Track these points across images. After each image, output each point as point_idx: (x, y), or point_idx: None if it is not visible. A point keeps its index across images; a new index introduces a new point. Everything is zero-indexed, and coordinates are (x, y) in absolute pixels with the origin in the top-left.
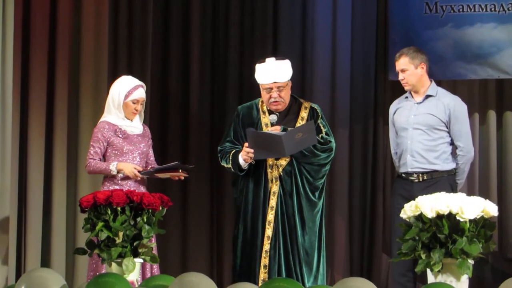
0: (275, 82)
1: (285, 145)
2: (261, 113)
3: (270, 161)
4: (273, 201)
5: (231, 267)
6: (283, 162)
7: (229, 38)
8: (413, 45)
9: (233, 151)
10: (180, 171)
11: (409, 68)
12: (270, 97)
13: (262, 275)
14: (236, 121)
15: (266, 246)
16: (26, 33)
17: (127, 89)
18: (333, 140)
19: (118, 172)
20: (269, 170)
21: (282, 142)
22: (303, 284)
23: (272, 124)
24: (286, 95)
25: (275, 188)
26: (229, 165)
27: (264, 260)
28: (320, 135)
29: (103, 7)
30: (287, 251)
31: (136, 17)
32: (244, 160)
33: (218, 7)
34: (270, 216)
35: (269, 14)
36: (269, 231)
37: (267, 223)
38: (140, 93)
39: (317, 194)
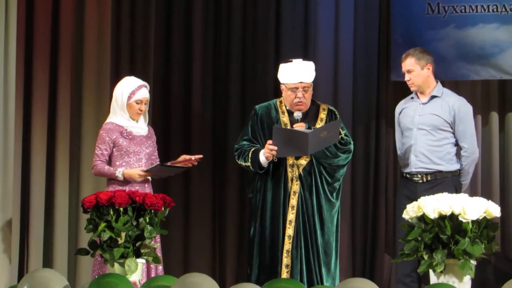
0: (301, 82)
1: (309, 144)
2: (280, 112)
3: (290, 161)
4: (293, 201)
5: (235, 267)
6: (303, 161)
7: (231, 39)
8: (416, 46)
9: (253, 149)
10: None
11: (415, 69)
12: (295, 97)
13: (284, 274)
14: (254, 119)
15: (287, 245)
16: (28, 35)
17: (130, 90)
18: (352, 142)
19: (125, 178)
20: (289, 170)
21: (307, 140)
22: (322, 284)
23: (297, 121)
24: (309, 96)
25: (295, 187)
26: (248, 163)
27: (286, 260)
28: (340, 136)
29: (105, 8)
30: (308, 251)
31: (138, 18)
32: (266, 157)
33: (220, 8)
34: (291, 215)
35: (272, 16)
36: (290, 231)
37: (287, 223)
38: (144, 93)
39: (335, 195)
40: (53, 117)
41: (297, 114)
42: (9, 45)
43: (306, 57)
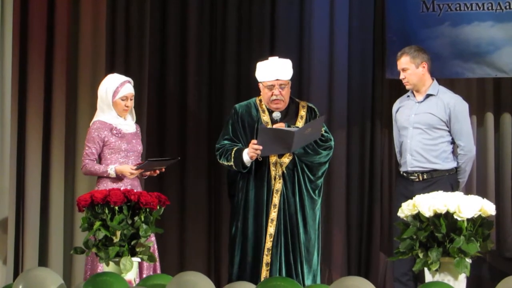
0: (277, 80)
1: (294, 141)
2: (260, 111)
3: (273, 159)
4: (276, 199)
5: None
6: (286, 160)
7: (226, 38)
8: (411, 44)
9: (235, 148)
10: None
11: (410, 68)
12: (272, 94)
13: (264, 272)
14: (235, 118)
15: (268, 244)
16: (23, 33)
17: (114, 87)
18: (332, 138)
19: (117, 175)
20: (272, 168)
21: (293, 138)
22: (303, 281)
23: (276, 121)
24: (287, 94)
25: (278, 186)
26: (230, 163)
27: (266, 258)
28: (320, 134)
29: (100, 6)
30: (288, 249)
31: (133, 16)
32: (250, 157)
33: (215, 7)
34: (273, 214)
35: (267, 14)
36: (271, 229)
37: (269, 221)
38: (128, 89)
39: (317, 192)
40: (48, 115)
41: (276, 115)
42: (4, 43)
43: (301, 56)
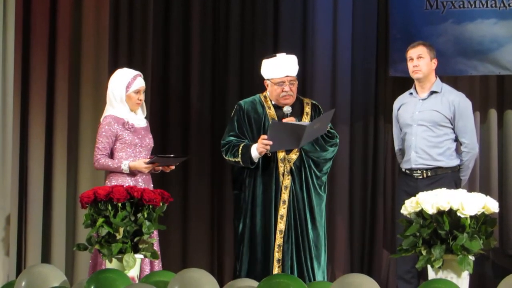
0: (287, 76)
1: (304, 136)
2: (266, 107)
3: (281, 155)
4: (285, 195)
5: (233, 263)
6: (294, 156)
7: (229, 33)
8: (414, 41)
9: (242, 144)
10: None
11: (426, 57)
12: (282, 90)
13: (276, 269)
14: (240, 115)
15: (279, 240)
16: (26, 29)
17: (126, 81)
18: (337, 135)
19: (130, 171)
20: (280, 164)
21: (304, 132)
22: (314, 277)
23: (286, 115)
24: (295, 90)
25: (287, 182)
26: (238, 159)
27: (278, 255)
28: (327, 130)
29: (103, 2)
30: (298, 245)
31: (137, 12)
32: (260, 152)
33: (218, 2)
34: (283, 210)
35: (270, 10)
36: (281, 225)
37: (279, 217)
38: (140, 82)
39: (323, 188)
40: (51, 110)
41: (287, 109)
42: (7, 38)
43: (304, 53)
